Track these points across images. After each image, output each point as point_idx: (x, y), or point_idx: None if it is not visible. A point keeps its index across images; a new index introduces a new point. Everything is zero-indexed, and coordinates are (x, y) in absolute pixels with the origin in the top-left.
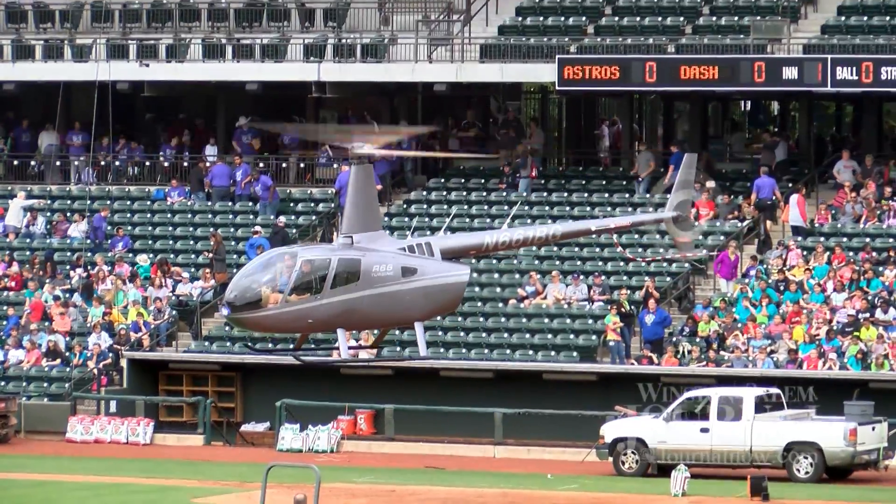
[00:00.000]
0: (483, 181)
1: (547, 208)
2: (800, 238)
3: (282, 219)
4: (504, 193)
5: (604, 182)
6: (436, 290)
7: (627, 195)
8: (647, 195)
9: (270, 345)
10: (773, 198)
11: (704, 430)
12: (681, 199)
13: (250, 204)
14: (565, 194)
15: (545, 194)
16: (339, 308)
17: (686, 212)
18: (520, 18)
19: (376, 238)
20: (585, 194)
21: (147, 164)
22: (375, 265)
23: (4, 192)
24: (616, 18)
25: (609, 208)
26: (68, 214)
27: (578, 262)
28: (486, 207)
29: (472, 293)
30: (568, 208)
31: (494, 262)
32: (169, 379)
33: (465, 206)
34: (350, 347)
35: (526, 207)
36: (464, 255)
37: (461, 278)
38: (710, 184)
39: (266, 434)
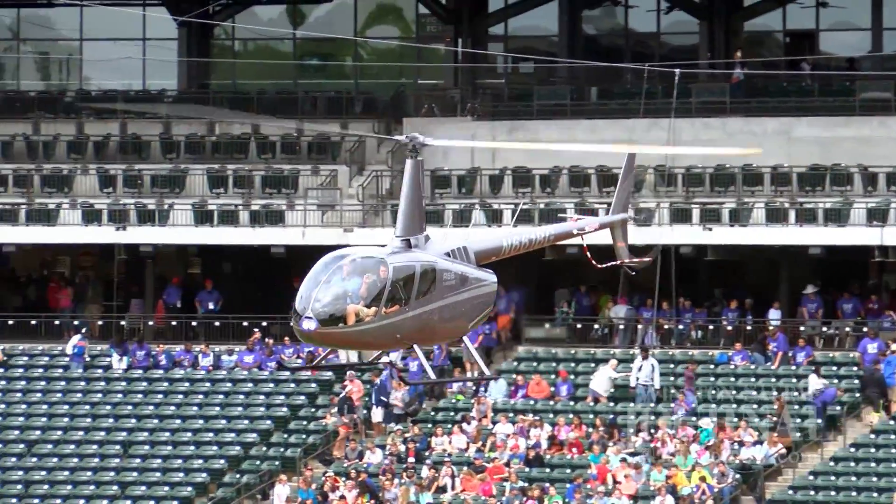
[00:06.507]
0: None
1: None
2: None
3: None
4: None
5: None
6: (479, 299)
7: None
8: None
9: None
10: None
11: None
12: (627, 203)
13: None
14: None
15: None
16: (419, 321)
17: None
18: None
19: (425, 242)
20: None
21: (710, 327)
22: (445, 272)
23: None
24: None
25: None
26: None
27: None
28: None
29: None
30: None
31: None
32: None
33: None
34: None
35: None
36: (486, 260)
37: (494, 286)
38: None
39: None
